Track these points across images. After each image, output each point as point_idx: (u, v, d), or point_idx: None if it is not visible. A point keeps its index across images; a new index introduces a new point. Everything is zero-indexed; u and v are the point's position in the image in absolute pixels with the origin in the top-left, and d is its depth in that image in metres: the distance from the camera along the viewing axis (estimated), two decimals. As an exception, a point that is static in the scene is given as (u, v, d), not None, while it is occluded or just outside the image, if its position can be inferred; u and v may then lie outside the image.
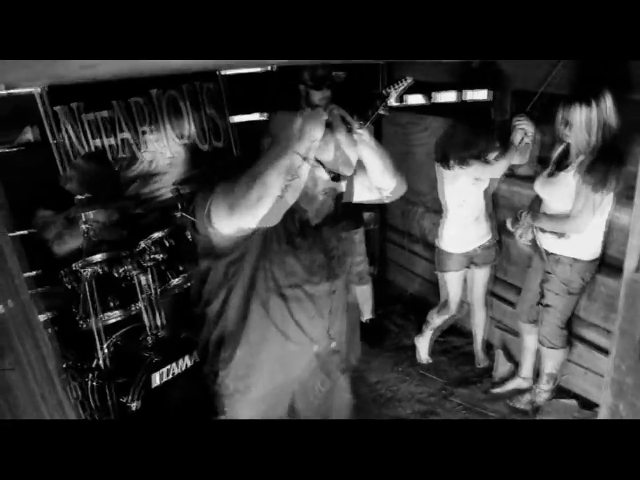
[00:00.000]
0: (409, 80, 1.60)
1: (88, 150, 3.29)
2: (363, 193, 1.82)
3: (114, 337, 2.74)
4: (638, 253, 0.87)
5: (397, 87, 1.64)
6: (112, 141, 3.41)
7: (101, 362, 2.57)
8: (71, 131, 3.27)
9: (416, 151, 3.68)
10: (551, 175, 2.47)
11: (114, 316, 2.63)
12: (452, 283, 3.06)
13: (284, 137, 1.38)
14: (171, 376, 2.64)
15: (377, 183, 1.72)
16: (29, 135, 3.22)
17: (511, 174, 2.82)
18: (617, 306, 0.94)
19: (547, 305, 2.60)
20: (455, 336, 3.58)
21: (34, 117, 3.14)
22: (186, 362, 2.67)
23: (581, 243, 2.42)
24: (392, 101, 1.62)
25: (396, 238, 4.14)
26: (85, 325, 2.54)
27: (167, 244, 2.77)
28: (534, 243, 2.61)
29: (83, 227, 2.48)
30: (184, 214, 2.51)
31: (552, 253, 2.52)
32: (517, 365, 3.10)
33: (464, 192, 2.81)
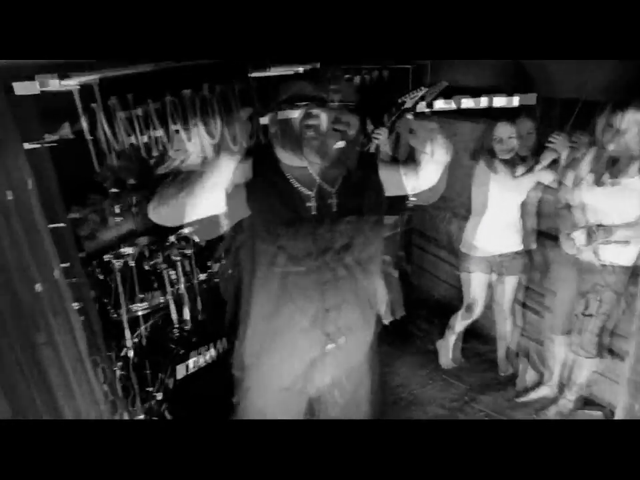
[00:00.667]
0: (424, 89, 1.65)
1: (122, 146, 3.38)
2: (391, 188, 1.83)
3: (141, 328, 2.80)
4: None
5: (412, 95, 1.69)
6: (145, 138, 3.49)
7: (128, 352, 2.63)
8: (106, 128, 3.36)
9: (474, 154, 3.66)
10: (614, 184, 2.36)
11: (142, 307, 2.70)
12: (472, 285, 3.04)
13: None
14: (196, 368, 2.69)
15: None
16: (65, 130, 3.33)
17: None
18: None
19: (590, 315, 2.56)
20: (480, 342, 3.54)
21: (71, 114, 3.25)
22: (211, 355, 2.72)
23: (635, 251, 2.40)
24: (409, 107, 1.68)
25: (421, 242, 4.13)
26: (115, 316, 2.60)
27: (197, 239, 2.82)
28: (570, 255, 2.57)
29: (117, 219, 2.54)
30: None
31: (605, 265, 2.45)
32: (541, 373, 3.06)
33: (495, 196, 2.80)
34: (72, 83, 3.13)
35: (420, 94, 1.63)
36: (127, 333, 2.58)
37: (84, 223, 2.88)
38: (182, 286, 2.76)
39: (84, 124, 3.25)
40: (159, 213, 1.57)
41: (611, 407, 2.78)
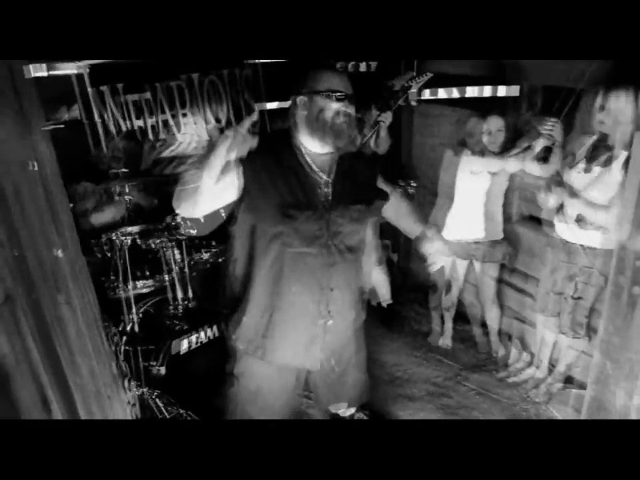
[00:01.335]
0: (411, 73, 1.78)
1: (129, 129, 3.47)
2: None
3: (144, 304, 2.90)
4: (629, 222, 0.96)
5: (401, 79, 1.82)
6: (152, 121, 3.57)
7: (130, 327, 2.73)
8: (114, 110, 3.44)
9: (446, 142, 3.74)
10: (587, 170, 2.47)
11: (146, 285, 2.80)
12: (443, 267, 3.19)
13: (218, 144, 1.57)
14: (196, 344, 2.79)
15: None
16: (74, 112, 3.41)
17: None
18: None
19: (579, 298, 2.65)
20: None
21: (78, 96, 3.32)
22: (213, 332, 2.82)
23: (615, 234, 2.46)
24: (398, 89, 1.81)
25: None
26: (120, 292, 2.71)
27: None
28: (561, 239, 2.66)
29: (126, 197, 2.64)
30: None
31: (591, 247, 2.54)
32: (530, 354, 3.17)
33: (461, 182, 2.95)
34: (80, 65, 3.23)
35: (408, 77, 1.75)
36: (130, 309, 2.68)
37: (90, 199, 2.98)
38: (184, 265, 2.85)
39: (85, 109, 3.34)
40: (182, 210, 1.72)
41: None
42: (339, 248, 1.84)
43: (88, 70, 3.31)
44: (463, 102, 3.51)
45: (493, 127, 2.85)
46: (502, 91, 3.65)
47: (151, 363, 2.64)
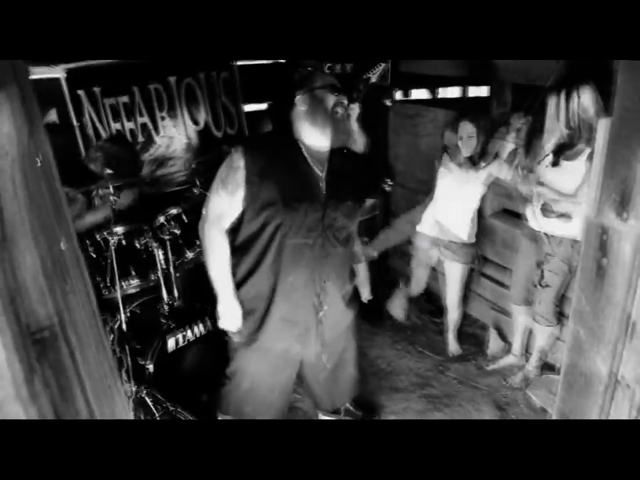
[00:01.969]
0: (384, 64, 1.98)
1: (109, 132, 3.49)
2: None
3: (133, 304, 2.93)
4: (595, 201, 1.05)
5: (375, 71, 2.02)
6: (132, 125, 3.60)
7: (118, 326, 2.75)
8: (92, 114, 3.45)
9: (421, 141, 3.86)
10: (555, 164, 2.57)
11: (134, 285, 2.82)
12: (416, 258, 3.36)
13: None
14: (185, 342, 2.83)
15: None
16: (52, 117, 3.42)
17: None
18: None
19: (547, 285, 2.77)
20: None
21: (57, 100, 3.33)
22: (200, 329, 2.86)
23: (579, 224, 2.57)
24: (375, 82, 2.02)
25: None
26: (107, 292, 2.73)
27: (185, 220, 2.96)
28: (528, 230, 2.78)
29: (111, 198, 2.66)
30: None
31: (554, 236, 2.66)
32: (507, 343, 3.29)
33: (452, 187, 3.04)
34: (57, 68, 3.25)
35: (381, 68, 1.92)
36: (119, 308, 2.70)
37: (74, 206, 2.99)
38: (171, 264, 2.88)
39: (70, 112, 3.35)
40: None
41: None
42: (332, 240, 1.94)
43: (65, 75, 3.33)
44: (438, 101, 3.65)
45: (464, 134, 2.90)
46: (474, 91, 3.79)
47: (140, 361, 2.67)
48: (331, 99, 1.86)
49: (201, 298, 2.99)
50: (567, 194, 2.54)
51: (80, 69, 3.33)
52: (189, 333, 2.82)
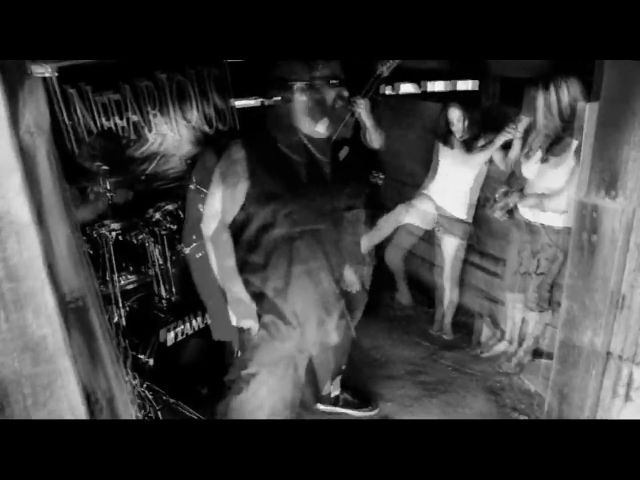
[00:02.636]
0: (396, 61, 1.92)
1: (99, 130, 3.49)
2: None
3: (130, 300, 2.95)
4: (585, 182, 1.11)
5: (388, 65, 1.97)
6: (123, 122, 3.61)
7: (118, 320, 2.78)
8: (83, 111, 3.46)
9: (409, 134, 3.91)
10: (544, 161, 2.63)
11: (130, 280, 2.85)
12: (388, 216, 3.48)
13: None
14: (183, 336, 2.86)
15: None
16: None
17: None
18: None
19: (542, 273, 2.84)
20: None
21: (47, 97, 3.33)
22: (198, 323, 2.90)
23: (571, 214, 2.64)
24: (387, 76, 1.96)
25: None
26: (104, 288, 2.75)
27: (181, 215, 2.98)
28: (524, 220, 2.85)
29: (108, 194, 2.68)
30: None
31: (551, 226, 2.72)
32: (500, 330, 3.35)
33: (448, 168, 3.14)
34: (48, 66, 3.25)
35: (394, 64, 1.87)
36: (117, 303, 2.73)
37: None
38: (167, 259, 2.91)
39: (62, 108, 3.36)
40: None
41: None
42: (344, 222, 1.96)
43: (56, 73, 3.33)
44: (427, 95, 3.70)
45: (454, 117, 3.03)
46: (463, 84, 3.85)
47: (139, 355, 2.69)
48: (331, 92, 1.83)
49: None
50: (556, 189, 2.61)
51: (70, 67, 3.33)
52: (187, 326, 2.85)
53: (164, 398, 2.68)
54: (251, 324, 1.96)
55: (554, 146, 2.61)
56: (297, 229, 1.84)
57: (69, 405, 0.76)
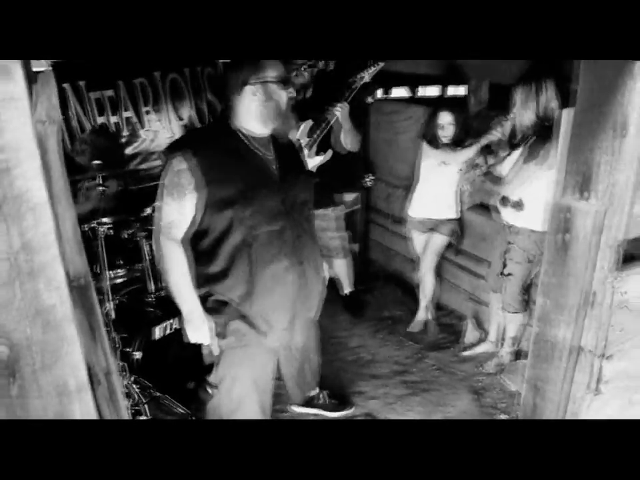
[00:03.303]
0: (380, 64, 1.99)
1: (94, 126, 3.52)
2: None
3: (120, 294, 2.98)
4: (561, 185, 1.17)
5: (370, 71, 2.04)
6: (116, 118, 3.64)
7: (108, 314, 2.81)
8: (77, 106, 3.47)
9: (399, 137, 3.98)
10: (525, 162, 2.69)
11: (120, 274, 2.88)
12: (414, 242, 3.53)
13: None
14: (171, 330, 2.89)
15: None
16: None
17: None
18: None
19: (509, 274, 2.92)
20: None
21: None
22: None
23: (536, 215, 2.68)
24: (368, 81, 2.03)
25: (379, 219, 4.44)
26: (95, 281, 2.78)
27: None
28: (499, 221, 2.93)
29: (100, 189, 2.71)
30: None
31: (512, 225, 2.83)
32: (482, 331, 3.43)
33: (433, 170, 3.23)
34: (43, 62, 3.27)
35: (377, 68, 1.93)
36: (107, 297, 2.75)
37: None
38: (152, 256, 2.94)
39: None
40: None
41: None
42: (299, 220, 1.94)
43: (50, 68, 3.34)
44: (417, 100, 3.78)
45: (444, 122, 3.12)
46: (452, 90, 3.94)
47: (127, 349, 2.72)
48: (283, 93, 1.83)
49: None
50: (534, 191, 2.68)
51: (64, 62, 3.35)
52: (175, 320, 2.88)
53: (151, 391, 2.71)
54: (204, 340, 1.95)
55: (534, 148, 2.68)
56: (253, 233, 1.82)
57: (72, 369, 0.81)
